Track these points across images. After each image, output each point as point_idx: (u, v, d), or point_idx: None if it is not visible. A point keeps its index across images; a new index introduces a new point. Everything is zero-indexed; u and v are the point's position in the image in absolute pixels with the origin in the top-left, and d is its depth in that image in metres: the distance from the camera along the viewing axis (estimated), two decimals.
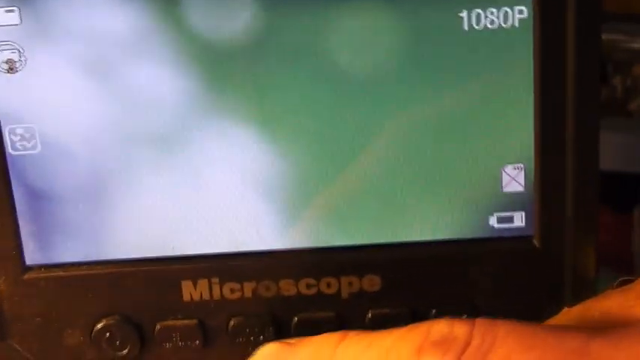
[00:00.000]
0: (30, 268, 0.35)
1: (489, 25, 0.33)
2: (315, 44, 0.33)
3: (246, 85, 0.33)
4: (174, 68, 0.33)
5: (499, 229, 0.35)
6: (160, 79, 0.33)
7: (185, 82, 0.33)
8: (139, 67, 0.33)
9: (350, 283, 0.35)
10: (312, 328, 0.35)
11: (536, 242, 0.35)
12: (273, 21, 0.32)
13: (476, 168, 0.34)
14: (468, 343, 0.29)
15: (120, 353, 0.36)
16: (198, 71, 0.33)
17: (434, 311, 0.35)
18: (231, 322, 0.36)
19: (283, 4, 0.32)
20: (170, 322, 0.36)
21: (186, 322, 0.36)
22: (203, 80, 0.33)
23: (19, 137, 0.34)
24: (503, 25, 0.33)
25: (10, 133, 0.34)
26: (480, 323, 0.29)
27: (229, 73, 0.33)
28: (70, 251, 0.35)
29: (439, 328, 0.29)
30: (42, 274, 0.35)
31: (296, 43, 0.33)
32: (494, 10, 0.32)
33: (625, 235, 0.49)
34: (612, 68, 0.52)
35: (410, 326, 0.30)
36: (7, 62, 0.33)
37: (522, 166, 0.34)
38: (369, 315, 0.36)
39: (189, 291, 0.35)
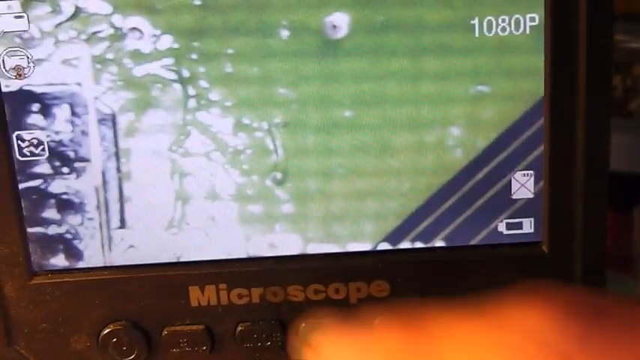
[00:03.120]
0: (36, 274, 0.35)
1: (500, 32, 0.32)
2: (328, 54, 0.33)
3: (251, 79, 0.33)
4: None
5: (508, 235, 0.35)
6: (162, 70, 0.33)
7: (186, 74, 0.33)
8: (142, 62, 0.33)
9: (358, 289, 0.35)
10: None
11: (545, 248, 0.35)
12: None
13: (485, 174, 0.34)
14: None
15: (127, 359, 0.36)
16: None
17: None
18: (239, 328, 0.36)
19: None
20: (177, 328, 0.36)
21: (193, 327, 0.36)
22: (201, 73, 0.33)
23: (26, 143, 0.34)
24: (515, 32, 0.32)
25: (17, 139, 0.34)
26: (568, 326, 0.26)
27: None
28: (77, 257, 0.35)
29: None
30: (48, 280, 0.35)
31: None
32: (505, 17, 0.32)
33: (625, 236, 0.49)
34: (612, 68, 0.52)
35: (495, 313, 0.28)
36: (15, 68, 0.33)
37: (532, 172, 0.34)
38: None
39: (197, 296, 0.35)
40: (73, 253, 0.35)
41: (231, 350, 0.36)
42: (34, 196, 0.34)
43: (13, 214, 0.34)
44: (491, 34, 0.32)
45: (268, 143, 0.34)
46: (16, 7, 0.32)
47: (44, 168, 0.34)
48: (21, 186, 0.34)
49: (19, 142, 0.34)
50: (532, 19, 0.32)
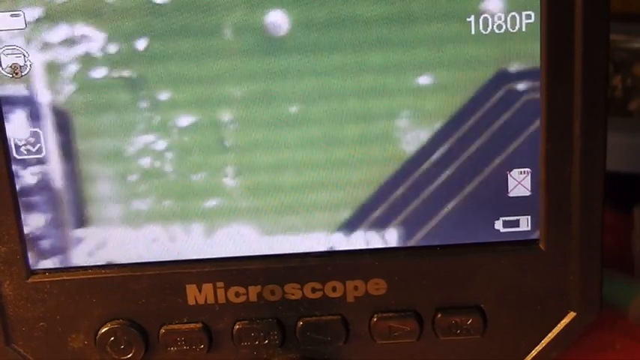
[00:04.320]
0: (34, 272, 0.35)
1: (497, 30, 0.32)
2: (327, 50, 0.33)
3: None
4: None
5: (505, 233, 0.35)
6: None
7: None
8: (92, 66, 0.33)
9: (355, 287, 0.35)
10: (317, 332, 0.36)
11: (542, 246, 0.35)
12: None
13: (482, 172, 0.34)
14: None
15: (124, 357, 0.36)
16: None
17: (439, 315, 0.35)
18: (236, 326, 0.36)
19: None
20: (175, 326, 0.36)
21: (190, 326, 0.36)
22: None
23: (23, 142, 0.34)
24: (511, 29, 0.32)
25: (14, 138, 0.34)
26: None
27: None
28: (75, 255, 0.35)
29: None
30: (46, 278, 0.35)
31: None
32: (501, 14, 0.32)
33: (625, 235, 0.49)
34: (612, 68, 0.52)
35: None
36: (11, 67, 0.33)
37: (528, 170, 0.34)
38: (375, 319, 0.36)
39: (194, 295, 0.35)
40: (71, 252, 0.35)
41: (229, 348, 0.36)
42: (31, 195, 0.34)
43: (10, 213, 0.34)
44: (487, 32, 0.33)
45: (219, 140, 0.34)
46: None
47: (39, 167, 0.34)
48: (18, 184, 0.34)
49: (17, 140, 0.34)
50: (528, 17, 0.32)
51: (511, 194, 0.35)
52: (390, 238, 0.35)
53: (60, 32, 0.33)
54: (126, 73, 0.33)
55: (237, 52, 0.33)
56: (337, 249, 0.35)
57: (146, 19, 0.32)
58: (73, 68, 0.33)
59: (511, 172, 0.34)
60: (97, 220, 0.35)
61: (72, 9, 0.32)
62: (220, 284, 0.35)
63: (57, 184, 0.34)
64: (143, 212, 0.35)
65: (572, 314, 0.35)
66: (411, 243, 0.35)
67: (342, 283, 0.35)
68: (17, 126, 0.34)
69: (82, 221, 0.35)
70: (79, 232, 0.35)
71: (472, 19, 0.32)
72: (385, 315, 0.36)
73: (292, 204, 0.35)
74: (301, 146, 0.34)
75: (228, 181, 0.35)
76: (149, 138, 0.34)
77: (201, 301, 0.35)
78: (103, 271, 0.35)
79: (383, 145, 0.34)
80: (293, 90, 0.33)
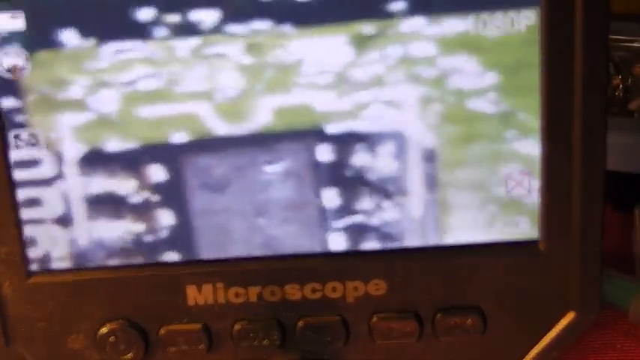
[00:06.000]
0: (34, 273, 0.35)
1: (496, 31, 0.32)
2: None
3: None
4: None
5: (504, 234, 0.35)
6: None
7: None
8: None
9: (355, 288, 0.35)
10: (317, 333, 0.36)
11: (541, 246, 0.35)
12: None
13: (481, 173, 0.34)
14: None
15: (124, 357, 0.36)
16: None
17: (439, 315, 0.35)
18: (236, 327, 0.36)
19: None
20: (174, 327, 0.36)
21: (190, 326, 0.36)
22: None
23: (23, 142, 0.34)
24: (510, 30, 0.32)
25: (15, 139, 0.34)
26: None
27: None
28: (74, 256, 0.35)
29: None
30: (46, 279, 0.35)
31: None
32: (500, 15, 0.32)
33: (626, 235, 0.49)
34: (612, 68, 0.52)
35: None
36: (12, 67, 0.33)
37: (528, 170, 0.34)
38: (374, 319, 0.36)
39: (194, 295, 0.35)
40: (71, 253, 0.35)
41: (229, 349, 0.36)
42: (31, 196, 0.34)
43: (11, 214, 0.34)
44: (485, 32, 0.33)
45: None
46: None
47: (40, 168, 0.34)
48: (17, 186, 0.34)
49: (17, 140, 0.34)
50: (528, 17, 0.32)
51: (510, 194, 0.34)
52: (390, 238, 0.35)
53: None
54: None
55: None
56: (337, 250, 0.35)
57: None
58: None
59: (511, 173, 0.34)
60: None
61: None
62: (220, 285, 0.35)
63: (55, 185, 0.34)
64: None
65: (572, 314, 0.35)
66: (411, 244, 0.35)
67: (342, 283, 0.35)
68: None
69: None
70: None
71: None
72: (385, 315, 0.36)
73: None
74: None
75: None
76: None
77: (201, 302, 0.35)
78: (102, 272, 0.35)
79: None
80: None
